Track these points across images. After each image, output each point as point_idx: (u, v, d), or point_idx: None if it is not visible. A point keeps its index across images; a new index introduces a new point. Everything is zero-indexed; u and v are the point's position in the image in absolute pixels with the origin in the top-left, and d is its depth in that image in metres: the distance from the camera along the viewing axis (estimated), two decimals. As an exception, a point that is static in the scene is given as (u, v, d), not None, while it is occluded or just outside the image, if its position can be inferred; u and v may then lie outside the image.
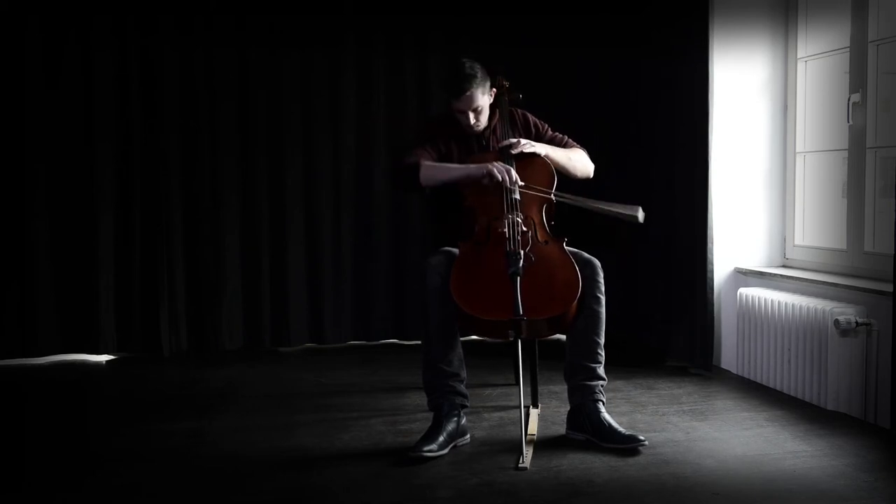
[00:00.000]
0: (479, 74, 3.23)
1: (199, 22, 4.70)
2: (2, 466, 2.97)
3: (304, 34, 4.80)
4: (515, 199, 3.13)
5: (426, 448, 2.90)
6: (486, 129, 3.37)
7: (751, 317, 3.96)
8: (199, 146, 4.74)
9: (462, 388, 3.14)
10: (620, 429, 3.03)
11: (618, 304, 3.79)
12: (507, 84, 3.45)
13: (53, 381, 4.27)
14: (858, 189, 3.73)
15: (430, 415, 3.11)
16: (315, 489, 2.68)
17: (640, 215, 3.18)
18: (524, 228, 3.09)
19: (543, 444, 3.07)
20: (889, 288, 3.25)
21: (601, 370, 3.15)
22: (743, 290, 4.05)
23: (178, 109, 4.71)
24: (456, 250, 3.14)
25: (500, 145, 3.28)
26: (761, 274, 4.11)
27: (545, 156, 3.28)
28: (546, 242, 3.13)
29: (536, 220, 3.16)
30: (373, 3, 4.85)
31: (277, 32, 4.78)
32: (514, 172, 3.13)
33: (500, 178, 3.10)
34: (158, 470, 2.88)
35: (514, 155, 3.23)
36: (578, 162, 3.41)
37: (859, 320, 3.39)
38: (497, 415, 3.47)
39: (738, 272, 4.24)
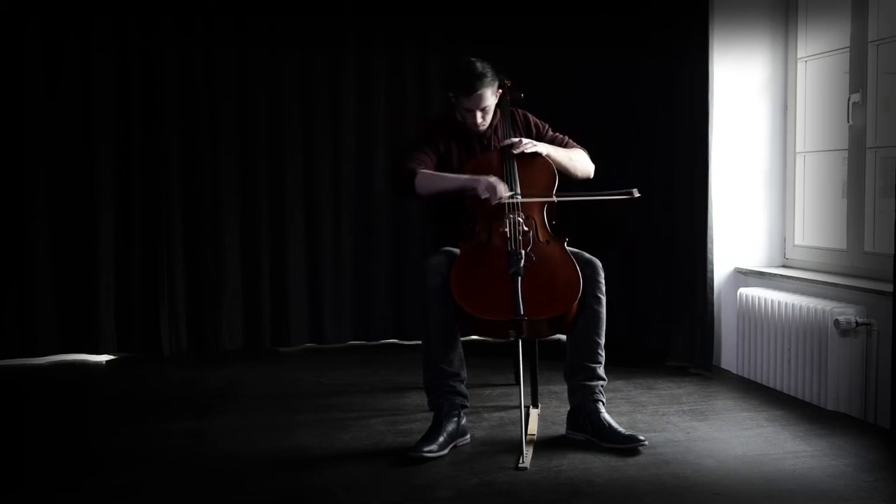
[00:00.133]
0: (489, 74, 3.24)
1: (199, 22, 4.70)
2: (2, 466, 2.97)
3: (304, 34, 4.80)
4: (517, 198, 3.13)
5: (426, 448, 2.90)
6: (487, 128, 3.37)
7: (751, 317, 3.96)
8: (199, 146, 4.74)
9: (462, 388, 3.14)
10: (620, 429, 3.04)
11: (618, 304, 3.80)
12: (508, 83, 3.45)
13: (53, 381, 4.27)
14: (858, 189, 3.73)
15: (430, 415, 3.11)
16: (315, 489, 2.68)
17: (636, 192, 3.13)
18: (525, 228, 3.09)
19: (543, 444, 3.07)
20: (889, 288, 3.25)
21: (601, 370, 3.15)
22: (743, 290, 4.06)
23: (178, 109, 4.71)
24: (456, 250, 3.14)
25: (501, 144, 3.28)
26: (761, 274, 4.11)
27: (546, 155, 3.28)
28: (547, 242, 3.12)
29: (538, 220, 3.16)
30: (373, 3, 4.85)
31: (277, 32, 4.78)
32: (503, 186, 3.08)
33: (487, 198, 3.05)
34: (158, 470, 2.88)
35: (516, 154, 3.23)
36: (579, 162, 3.41)
37: (859, 320, 3.39)
38: (497, 415, 3.47)
39: (738, 272, 4.24)
